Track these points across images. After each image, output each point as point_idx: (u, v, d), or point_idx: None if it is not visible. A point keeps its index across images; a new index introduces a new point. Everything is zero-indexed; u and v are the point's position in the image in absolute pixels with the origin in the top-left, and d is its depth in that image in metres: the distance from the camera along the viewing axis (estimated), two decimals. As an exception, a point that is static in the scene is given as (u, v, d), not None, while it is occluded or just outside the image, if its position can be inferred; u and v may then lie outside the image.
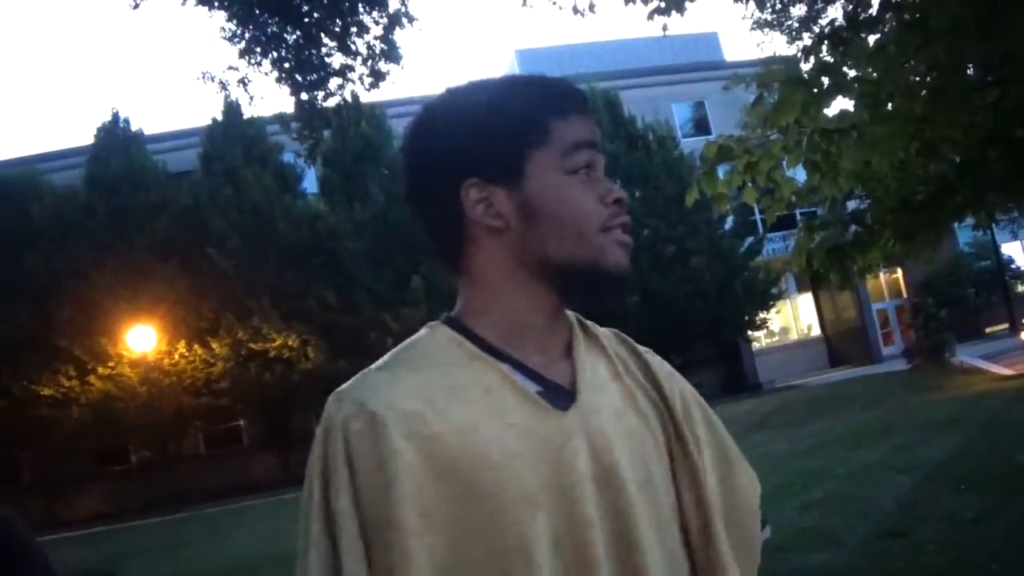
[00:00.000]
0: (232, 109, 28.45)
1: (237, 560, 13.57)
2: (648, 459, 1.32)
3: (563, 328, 1.39)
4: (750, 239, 31.24)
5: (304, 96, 11.08)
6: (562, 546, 1.21)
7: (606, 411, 1.32)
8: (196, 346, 27.62)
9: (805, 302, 38.82)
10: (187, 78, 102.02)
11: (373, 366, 1.31)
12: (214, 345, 27.61)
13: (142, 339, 26.79)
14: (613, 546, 1.24)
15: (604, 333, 1.46)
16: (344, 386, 1.28)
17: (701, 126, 35.53)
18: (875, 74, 6.62)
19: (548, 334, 1.36)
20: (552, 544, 1.20)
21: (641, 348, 1.49)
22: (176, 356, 27.63)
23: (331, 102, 11.34)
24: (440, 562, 1.16)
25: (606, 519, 1.24)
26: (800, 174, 8.08)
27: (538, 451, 1.23)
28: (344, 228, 27.79)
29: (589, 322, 1.45)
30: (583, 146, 1.33)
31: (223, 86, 11.22)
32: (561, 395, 1.30)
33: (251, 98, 11.40)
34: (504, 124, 1.32)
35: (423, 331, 1.36)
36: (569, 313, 1.42)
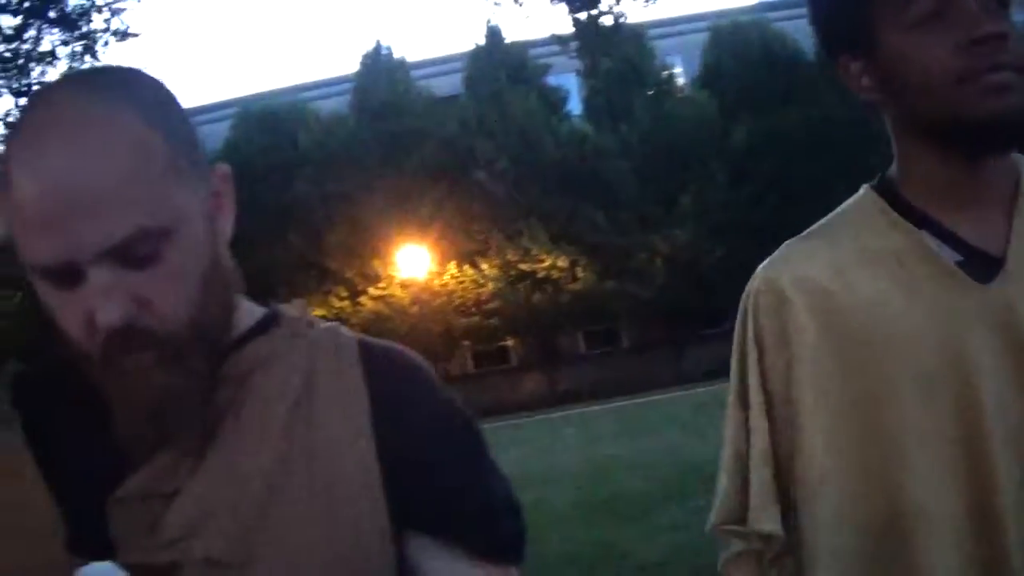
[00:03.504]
0: (494, 34, 28.72)
1: (510, 476, 13.63)
2: None
3: (1006, 182, 1.21)
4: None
5: (581, 16, 11.20)
6: (949, 436, 1.12)
7: None
8: (466, 267, 28.06)
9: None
10: (447, 4, 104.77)
11: (799, 236, 1.30)
12: (484, 266, 28.04)
13: (413, 260, 27.41)
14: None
15: None
16: (767, 260, 1.29)
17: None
18: None
19: (979, 191, 1.19)
20: (937, 433, 1.13)
21: None
22: (446, 277, 28.14)
23: (604, 21, 11.41)
24: (831, 439, 1.17)
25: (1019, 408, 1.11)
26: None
27: (945, 329, 1.14)
28: (610, 149, 27.71)
29: None
30: None
31: (497, 5, 11.46)
32: (986, 265, 1.16)
33: (526, 17, 11.68)
34: None
35: (858, 193, 1.30)
36: None
